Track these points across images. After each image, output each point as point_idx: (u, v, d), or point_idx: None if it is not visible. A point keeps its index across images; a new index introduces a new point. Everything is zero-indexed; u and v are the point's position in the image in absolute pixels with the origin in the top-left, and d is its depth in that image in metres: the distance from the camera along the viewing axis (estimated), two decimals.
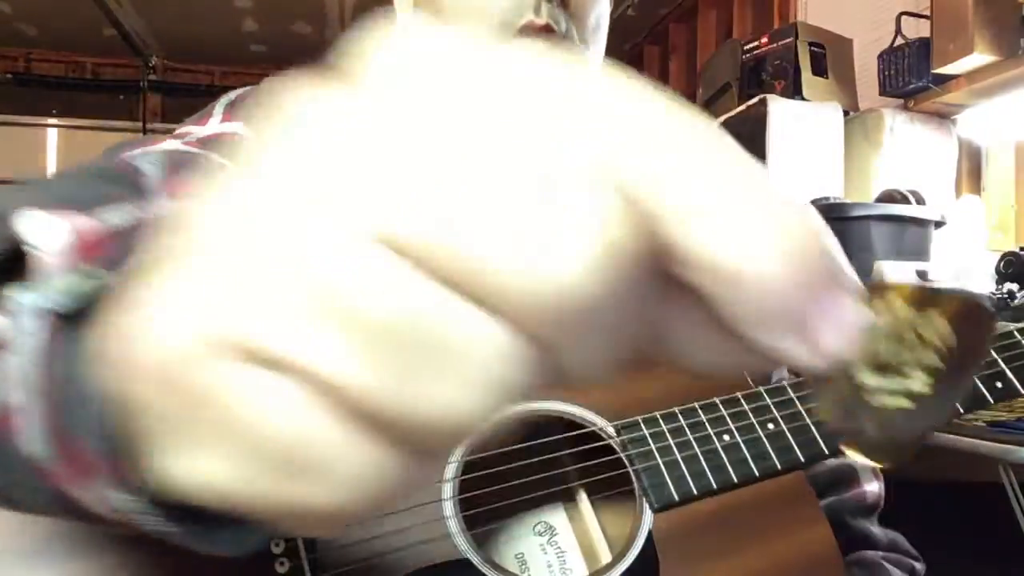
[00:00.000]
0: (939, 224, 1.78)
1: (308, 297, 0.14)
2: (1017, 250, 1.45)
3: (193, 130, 0.61)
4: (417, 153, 0.15)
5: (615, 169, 0.15)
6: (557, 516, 0.64)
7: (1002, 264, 1.43)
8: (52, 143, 5.17)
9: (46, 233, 0.25)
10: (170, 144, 0.56)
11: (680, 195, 0.15)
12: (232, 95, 0.67)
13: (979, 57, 1.95)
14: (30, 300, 0.24)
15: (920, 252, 1.74)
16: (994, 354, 0.66)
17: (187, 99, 5.35)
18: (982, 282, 1.57)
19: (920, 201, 1.80)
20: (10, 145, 5.00)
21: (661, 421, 0.61)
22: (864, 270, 1.68)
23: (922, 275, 1.65)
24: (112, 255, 0.25)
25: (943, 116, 2.30)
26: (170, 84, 5.42)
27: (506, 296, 0.14)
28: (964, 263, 1.82)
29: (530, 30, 0.64)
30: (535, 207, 0.14)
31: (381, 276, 0.14)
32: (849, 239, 1.71)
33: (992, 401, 0.65)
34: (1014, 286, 1.39)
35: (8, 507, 0.28)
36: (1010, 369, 0.65)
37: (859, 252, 1.70)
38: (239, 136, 0.60)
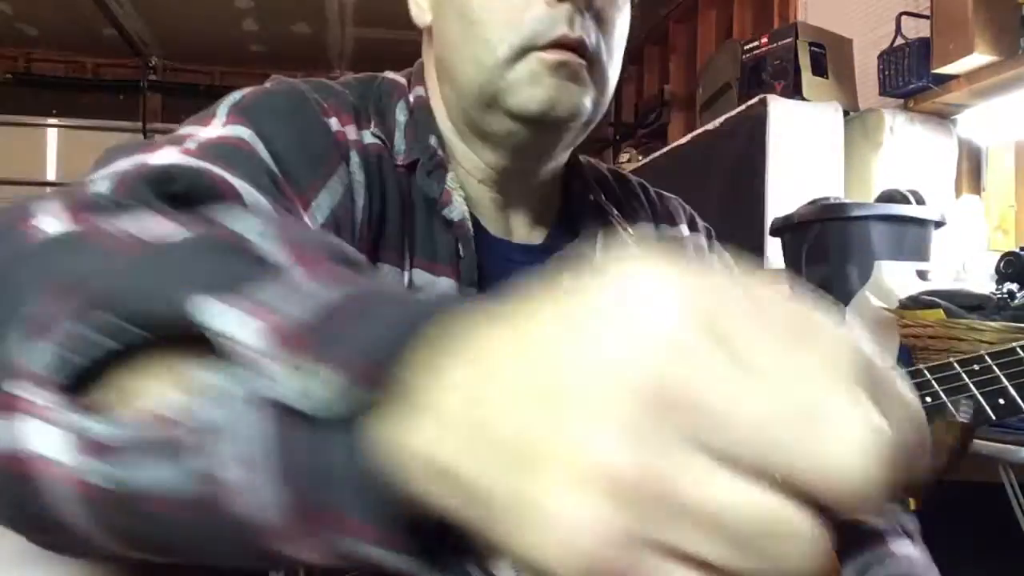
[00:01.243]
0: (939, 224, 1.79)
1: (696, 507, 0.21)
2: (1017, 250, 1.45)
3: (195, 132, 0.59)
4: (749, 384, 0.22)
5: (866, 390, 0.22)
6: None
7: (1002, 264, 1.43)
8: (52, 143, 5.17)
9: (241, 327, 0.28)
10: (170, 154, 0.53)
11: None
12: (238, 95, 0.64)
13: (979, 57, 1.95)
14: (245, 390, 0.28)
15: (920, 252, 1.74)
16: (996, 371, 0.66)
17: (187, 99, 5.35)
18: (982, 282, 1.56)
19: (920, 201, 1.80)
20: (10, 145, 5.00)
21: None
22: (864, 270, 1.68)
23: (922, 275, 1.65)
24: (316, 350, 0.28)
25: (943, 116, 2.30)
26: (170, 84, 5.42)
27: (819, 490, 0.21)
28: (964, 263, 1.83)
29: (562, 44, 0.65)
30: (832, 422, 0.21)
31: (741, 492, 0.21)
32: (849, 239, 1.71)
33: (995, 417, 0.65)
34: (1014, 286, 1.39)
35: (187, 558, 0.33)
36: (1012, 386, 0.65)
37: (859, 252, 1.70)
38: (244, 142, 0.59)
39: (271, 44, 5.05)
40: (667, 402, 0.22)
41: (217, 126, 0.60)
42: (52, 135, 5.17)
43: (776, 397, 0.22)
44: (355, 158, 0.65)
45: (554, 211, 0.80)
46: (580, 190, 0.80)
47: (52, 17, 4.72)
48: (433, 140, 0.71)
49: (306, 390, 0.27)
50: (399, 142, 0.71)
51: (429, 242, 0.69)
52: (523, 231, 0.78)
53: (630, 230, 0.82)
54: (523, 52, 0.65)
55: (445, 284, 0.68)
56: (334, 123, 0.65)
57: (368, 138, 0.68)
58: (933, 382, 0.65)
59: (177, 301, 0.29)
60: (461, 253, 0.69)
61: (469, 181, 0.74)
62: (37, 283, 0.33)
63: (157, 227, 0.36)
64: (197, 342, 0.30)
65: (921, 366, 0.66)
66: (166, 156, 0.53)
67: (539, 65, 0.65)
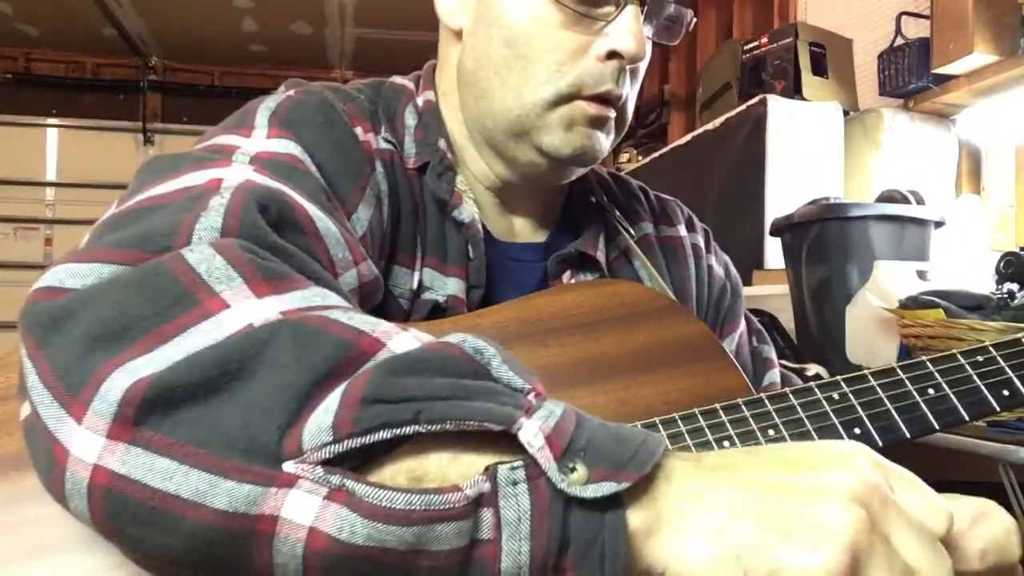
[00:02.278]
0: (939, 224, 1.78)
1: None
2: (1017, 250, 1.45)
3: (242, 144, 0.59)
4: None
5: None
6: None
7: (1002, 264, 1.43)
8: (52, 143, 5.16)
9: (531, 436, 0.38)
10: (244, 172, 0.54)
11: None
12: (272, 103, 0.64)
13: (979, 57, 1.95)
14: (519, 475, 0.38)
15: (920, 252, 1.73)
16: (1001, 361, 0.65)
17: (187, 99, 5.35)
18: (982, 282, 1.56)
19: (920, 201, 1.79)
20: (10, 145, 5.00)
21: (660, 427, 0.61)
22: (864, 270, 1.68)
23: (922, 275, 1.65)
24: (568, 451, 0.38)
25: (943, 116, 2.30)
26: (170, 84, 5.42)
27: None
28: (964, 263, 1.83)
29: (604, 98, 0.67)
30: None
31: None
32: (849, 239, 1.71)
33: (999, 409, 0.64)
34: (1014, 286, 1.39)
35: None
36: (1017, 377, 0.64)
37: (859, 252, 1.70)
38: (297, 159, 0.59)
39: (271, 44, 5.05)
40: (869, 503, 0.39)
41: (261, 138, 0.60)
42: (52, 135, 5.16)
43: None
44: (379, 167, 0.66)
45: (556, 211, 0.80)
46: (582, 191, 0.81)
47: (52, 17, 4.72)
48: (442, 143, 0.71)
49: (575, 481, 0.38)
50: (408, 145, 0.71)
51: (440, 243, 0.69)
52: (526, 231, 0.78)
53: (631, 229, 0.82)
54: (568, 99, 0.67)
55: (454, 285, 0.68)
56: (360, 132, 0.66)
57: (381, 143, 0.69)
58: (936, 374, 0.65)
59: (506, 420, 0.39)
60: (471, 255, 0.70)
61: (475, 185, 0.75)
62: (290, 373, 0.39)
63: (387, 329, 0.43)
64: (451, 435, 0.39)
65: (924, 358, 0.65)
66: (240, 173, 0.53)
67: (579, 113, 0.67)
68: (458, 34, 0.72)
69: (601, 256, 0.77)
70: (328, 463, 0.37)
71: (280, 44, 4.99)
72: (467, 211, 0.70)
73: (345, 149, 0.63)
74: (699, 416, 0.61)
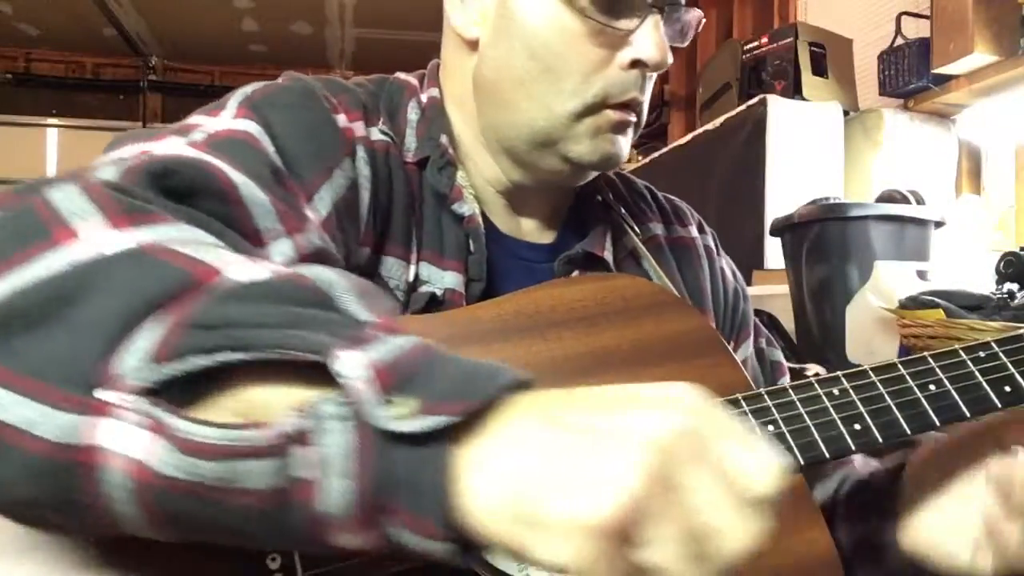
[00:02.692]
0: (939, 224, 1.78)
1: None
2: (1017, 250, 1.45)
3: (204, 123, 0.60)
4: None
5: None
6: None
7: (1002, 264, 1.43)
8: (52, 143, 5.16)
9: (355, 370, 0.36)
10: (175, 145, 0.55)
11: None
12: (249, 89, 0.65)
13: (979, 57, 1.95)
14: (338, 410, 0.36)
15: (920, 252, 1.73)
16: (1003, 358, 0.65)
17: (187, 99, 5.34)
18: (982, 282, 1.56)
19: (920, 201, 1.80)
20: (10, 145, 5.00)
21: None
22: (864, 270, 1.68)
23: (922, 275, 1.65)
24: (400, 385, 0.36)
25: (943, 116, 2.30)
26: (170, 84, 5.42)
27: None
28: (964, 263, 1.82)
29: (628, 105, 0.69)
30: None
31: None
32: (849, 239, 1.71)
33: (1000, 406, 0.63)
34: (1014, 286, 1.39)
35: (246, 544, 0.40)
36: (1020, 374, 0.64)
37: (859, 252, 1.70)
38: (251, 136, 0.59)
39: (271, 44, 5.05)
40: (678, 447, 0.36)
41: (227, 118, 0.61)
42: (52, 135, 5.16)
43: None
44: (362, 153, 0.66)
45: (564, 212, 0.80)
46: (589, 191, 0.81)
47: (52, 17, 4.72)
48: (444, 139, 0.71)
49: (398, 415, 0.35)
50: (410, 139, 0.71)
51: (437, 236, 0.69)
52: (533, 232, 0.78)
53: (638, 229, 0.82)
54: (594, 108, 0.68)
55: (451, 278, 0.68)
56: (342, 119, 0.66)
57: (376, 135, 0.69)
58: (937, 370, 0.65)
59: (321, 349, 0.37)
60: (471, 249, 0.70)
61: (485, 187, 0.75)
62: (121, 300, 0.38)
63: (226, 258, 0.42)
64: (285, 367, 0.37)
65: (926, 353, 0.65)
66: (171, 147, 0.54)
67: (605, 121, 0.69)
68: (472, 44, 0.72)
69: (608, 256, 0.77)
70: (153, 393, 0.36)
71: (280, 44, 4.99)
72: (467, 205, 0.70)
73: (315, 132, 0.63)
74: None
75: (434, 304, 0.67)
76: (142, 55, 5.31)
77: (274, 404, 0.37)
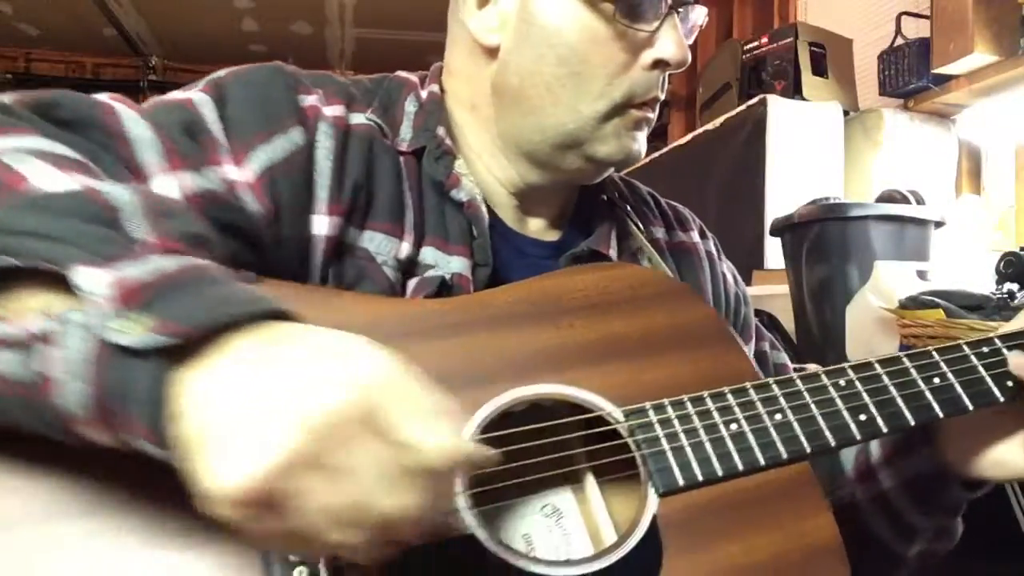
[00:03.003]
0: (939, 224, 1.78)
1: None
2: (1017, 250, 1.45)
3: (167, 97, 0.66)
4: None
5: None
6: (564, 499, 0.64)
7: (1002, 264, 1.43)
8: None
9: (98, 285, 0.41)
10: (105, 97, 0.61)
11: None
12: (224, 71, 0.69)
13: (979, 57, 1.95)
14: (80, 318, 0.41)
15: (920, 252, 1.74)
16: (1006, 353, 0.66)
17: None
18: (982, 282, 1.56)
19: (920, 201, 1.80)
20: None
21: (669, 408, 0.62)
22: (864, 270, 1.68)
23: (922, 275, 1.65)
24: (142, 303, 0.41)
25: (943, 116, 2.30)
26: (170, 84, 5.41)
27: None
28: (964, 263, 1.83)
29: (650, 103, 0.73)
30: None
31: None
32: (849, 239, 1.71)
33: (1002, 399, 0.64)
34: (1014, 286, 1.39)
35: (13, 427, 0.46)
36: None
37: (859, 252, 1.70)
38: (189, 101, 0.64)
39: (271, 44, 5.05)
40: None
41: (183, 91, 0.67)
42: None
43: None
44: (325, 128, 0.68)
45: (569, 211, 0.82)
46: (595, 191, 0.82)
47: (52, 17, 4.72)
48: (441, 130, 0.73)
49: (126, 329, 0.40)
50: (405, 130, 0.73)
51: (441, 224, 0.71)
52: (539, 229, 0.80)
53: (640, 225, 0.83)
54: (620, 109, 0.71)
55: (458, 262, 0.70)
56: (308, 99, 0.68)
57: (358, 119, 0.70)
58: (942, 363, 0.66)
59: (62, 262, 0.42)
60: (475, 233, 0.71)
61: (497, 188, 0.76)
62: None
63: (43, 169, 0.47)
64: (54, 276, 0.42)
65: (930, 348, 0.66)
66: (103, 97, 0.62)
67: (630, 120, 0.72)
68: (491, 51, 0.73)
69: (613, 254, 0.78)
70: None
71: (280, 44, 4.99)
72: (466, 190, 0.72)
73: (264, 102, 0.66)
74: (707, 399, 0.62)
75: (444, 288, 0.68)
76: (142, 55, 5.31)
77: (30, 305, 0.43)
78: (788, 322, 1.87)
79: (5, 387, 0.43)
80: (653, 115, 0.74)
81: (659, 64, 0.70)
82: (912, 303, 1.44)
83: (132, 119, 0.60)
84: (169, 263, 0.43)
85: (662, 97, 0.74)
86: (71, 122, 0.56)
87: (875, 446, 0.76)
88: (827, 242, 1.74)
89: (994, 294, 1.39)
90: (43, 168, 0.47)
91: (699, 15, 0.75)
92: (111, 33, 4.94)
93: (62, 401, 0.41)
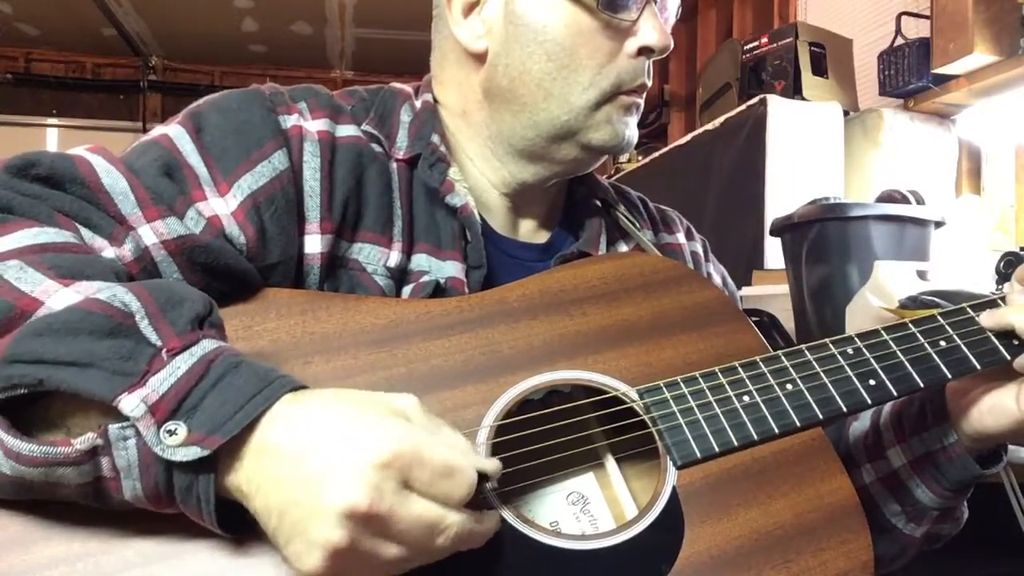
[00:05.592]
0: (939, 224, 1.78)
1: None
2: (1017, 250, 1.45)
3: (149, 135, 0.68)
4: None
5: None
6: (587, 482, 0.65)
7: (1002, 264, 1.43)
8: (52, 143, 5.16)
9: (137, 409, 0.48)
10: (79, 151, 0.63)
11: None
12: (203, 100, 0.71)
13: (979, 57, 1.95)
14: (124, 433, 0.49)
15: (920, 252, 1.73)
16: (1008, 313, 0.69)
17: (187, 99, 5.31)
18: (982, 282, 1.57)
19: (920, 201, 1.79)
20: (10, 145, 4.98)
21: (683, 384, 0.64)
22: (864, 270, 1.68)
23: (922, 275, 1.65)
24: (176, 414, 0.49)
25: (943, 116, 2.30)
26: (170, 84, 5.42)
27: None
28: (964, 263, 1.82)
29: (638, 90, 0.76)
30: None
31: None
32: (849, 239, 1.71)
33: (1009, 358, 0.67)
34: None
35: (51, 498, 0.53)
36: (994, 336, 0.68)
37: (859, 252, 1.70)
38: (166, 137, 0.66)
39: (271, 44, 5.05)
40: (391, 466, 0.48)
41: (163, 127, 0.68)
42: (52, 135, 5.16)
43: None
44: (309, 147, 0.69)
45: (558, 214, 0.83)
46: (584, 194, 0.83)
47: (52, 17, 4.72)
48: (435, 138, 0.74)
49: (165, 442, 0.48)
50: (401, 139, 0.74)
51: (433, 230, 0.72)
52: (529, 232, 0.81)
53: (634, 222, 0.85)
54: (611, 96, 0.74)
55: (451, 266, 0.71)
56: (289, 119, 0.69)
57: (345, 131, 0.71)
58: (947, 327, 0.68)
59: (109, 395, 0.48)
60: (468, 237, 0.73)
61: (488, 191, 0.78)
62: None
63: (53, 289, 0.52)
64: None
65: (935, 311, 0.69)
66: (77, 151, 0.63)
67: (620, 106, 0.75)
68: (479, 57, 0.75)
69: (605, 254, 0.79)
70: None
71: (280, 44, 4.99)
72: (459, 196, 0.73)
73: (243, 129, 0.67)
74: (719, 374, 0.64)
75: (439, 293, 0.70)
76: (142, 55, 5.31)
77: (74, 425, 0.50)
78: (788, 322, 1.87)
79: (66, 491, 0.51)
80: (641, 100, 0.77)
81: (644, 51, 0.74)
82: (912, 303, 1.44)
83: (106, 170, 0.61)
84: (183, 363, 0.50)
85: (649, 83, 0.76)
86: (49, 178, 0.59)
87: (884, 427, 0.77)
88: (827, 242, 1.74)
89: (994, 294, 1.39)
90: (47, 285, 0.52)
91: (675, 2, 0.78)
92: (111, 33, 4.93)
93: (125, 493, 0.50)
